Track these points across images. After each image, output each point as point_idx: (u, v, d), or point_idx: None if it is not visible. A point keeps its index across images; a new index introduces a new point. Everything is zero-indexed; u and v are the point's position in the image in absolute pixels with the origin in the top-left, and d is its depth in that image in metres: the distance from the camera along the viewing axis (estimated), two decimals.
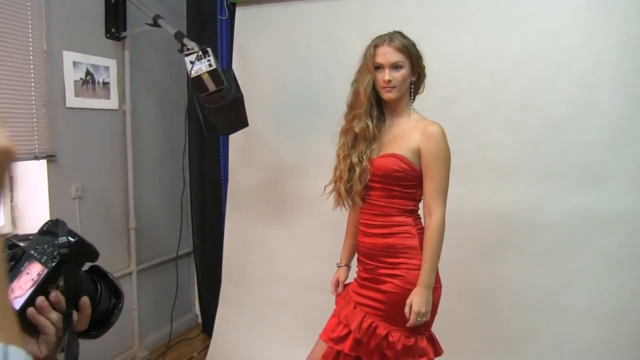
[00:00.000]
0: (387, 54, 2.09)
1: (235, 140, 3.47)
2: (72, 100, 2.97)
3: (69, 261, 0.90)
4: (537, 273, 2.97)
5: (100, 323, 1.03)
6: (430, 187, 2.09)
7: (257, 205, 3.46)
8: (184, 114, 3.45)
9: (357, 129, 2.14)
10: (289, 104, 3.34)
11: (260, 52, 3.42)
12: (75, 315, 0.92)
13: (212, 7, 3.49)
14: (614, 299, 2.81)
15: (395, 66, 2.09)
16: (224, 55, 3.49)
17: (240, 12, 3.46)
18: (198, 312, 3.98)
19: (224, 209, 3.57)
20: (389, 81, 2.08)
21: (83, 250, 0.97)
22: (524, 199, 2.98)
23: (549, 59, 2.93)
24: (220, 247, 3.55)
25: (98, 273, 1.07)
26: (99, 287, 1.04)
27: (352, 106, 2.19)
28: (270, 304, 3.40)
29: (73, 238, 0.94)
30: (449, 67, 3.08)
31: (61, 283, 0.90)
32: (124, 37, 3.24)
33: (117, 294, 1.08)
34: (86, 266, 1.03)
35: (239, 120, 2.85)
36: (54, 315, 0.88)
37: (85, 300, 0.95)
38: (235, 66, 3.44)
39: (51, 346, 0.88)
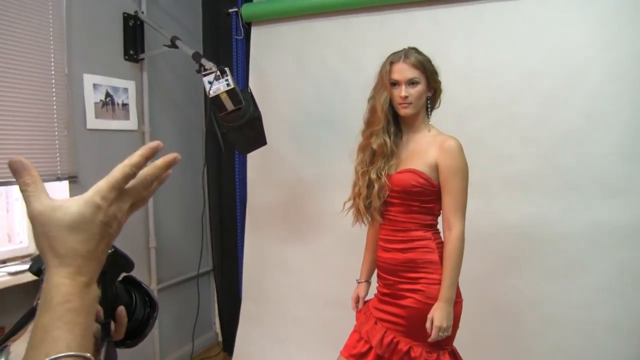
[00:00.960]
0: (403, 71, 2.11)
1: (253, 158, 3.50)
2: (93, 122, 3.02)
3: (106, 272, 0.92)
4: (557, 287, 2.95)
5: (136, 332, 1.05)
6: (448, 201, 2.09)
7: (276, 222, 3.48)
8: (202, 133, 3.48)
9: (374, 146, 2.16)
10: (306, 121, 3.37)
11: (276, 70, 3.46)
12: (112, 325, 0.94)
13: (227, 26, 3.54)
14: (636, 312, 2.79)
15: (412, 82, 2.11)
16: (240, 74, 3.53)
17: (255, 31, 3.51)
18: (218, 330, 3.98)
19: (241, 227, 3.59)
20: (406, 97, 2.10)
21: (119, 261, 0.99)
22: (542, 212, 2.97)
23: (564, 72, 2.94)
24: (239, 265, 3.56)
25: (132, 283, 1.09)
26: (133, 296, 1.06)
27: (369, 123, 2.22)
28: (291, 321, 3.40)
29: (110, 249, 0.96)
30: (465, 82, 3.10)
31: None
32: (142, 59, 3.30)
33: (151, 303, 1.09)
34: (120, 276, 1.05)
35: (258, 139, 2.88)
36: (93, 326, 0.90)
37: (121, 310, 0.97)
38: (252, 85, 3.49)
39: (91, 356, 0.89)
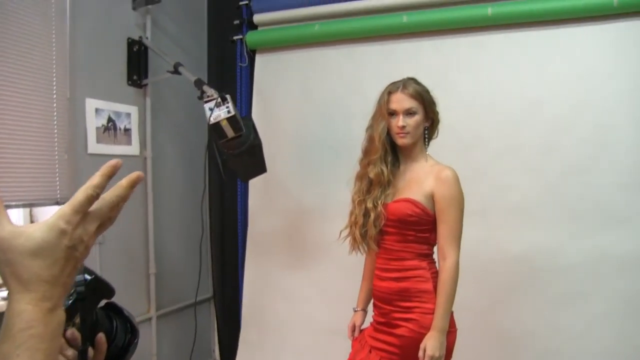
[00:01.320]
0: (401, 101, 2.12)
1: (255, 185, 3.50)
2: (94, 147, 3.02)
3: (85, 299, 0.91)
4: (560, 316, 2.93)
5: (116, 359, 1.03)
6: (444, 230, 2.08)
7: (277, 250, 3.46)
8: (204, 159, 3.48)
9: (371, 175, 2.16)
10: (309, 150, 3.38)
11: (280, 98, 3.47)
12: (90, 351, 0.93)
13: (232, 54, 3.56)
14: (636, 342, 2.75)
15: (409, 112, 2.11)
16: (244, 101, 3.55)
17: (260, 59, 3.53)
18: (218, 357, 3.94)
19: (242, 254, 3.57)
20: (403, 127, 2.11)
21: (99, 287, 0.98)
22: (544, 242, 2.97)
23: (567, 102, 2.95)
24: (240, 292, 3.53)
25: (113, 309, 1.08)
26: (114, 323, 1.05)
27: (366, 152, 2.22)
28: (290, 349, 3.37)
29: (90, 275, 0.95)
30: (468, 111, 3.12)
31: (77, 320, 0.91)
32: (146, 85, 3.31)
33: (132, 330, 1.08)
34: (102, 303, 1.03)
35: (258, 166, 2.88)
36: (70, 352, 0.88)
37: (101, 336, 0.96)
38: (255, 112, 3.50)
39: None
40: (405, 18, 3.15)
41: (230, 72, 3.60)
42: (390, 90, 2.17)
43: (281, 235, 3.43)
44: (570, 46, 2.97)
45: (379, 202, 2.15)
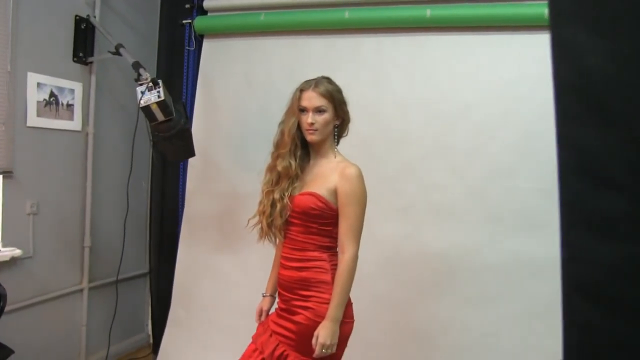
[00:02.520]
0: (312, 99, 2.19)
1: (194, 167, 3.57)
2: (34, 120, 3.08)
3: None
4: (473, 315, 3.04)
5: None
6: (344, 225, 2.16)
7: (210, 232, 3.54)
8: (149, 139, 3.55)
9: (280, 168, 2.25)
10: (248, 136, 3.44)
11: (223, 84, 3.53)
12: None
13: (182, 37, 3.61)
14: (545, 342, 2.86)
15: (319, 110, 2.19)
16: (190, 84, 3.60)
17: (207, 44, 3.59)
18: (150, 332, 4.04)
19: (179, 234, 3.66)
20: (312, 124, 2.18)
21: None
22: (465, 242, 3.06)
23: (495, 107, 3.03)
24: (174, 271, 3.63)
25: None
26: None
27: (277, 145, 2.31)
28: (216, 329, 3.45)
29: None
30: (402, 109, 3.19)
31: None
32: (91, 62, 3.37)
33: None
34: None
35: (187, 150, 2.96)
36: None
37: None
38: (199, 96, 3.56)
39: None
40: (347, 14, 3.22)
41: (179, 55, 3.64)
42: (302, 87, 2.25)
43: (214, 218, 3.51)
44: (503, 53, 3.05)
45: (286, 194, 2.23)
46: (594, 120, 0.71)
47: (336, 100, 2.23)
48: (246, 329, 3.30)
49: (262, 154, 3.37)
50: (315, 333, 2.11)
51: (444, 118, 3.13)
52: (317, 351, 2.09)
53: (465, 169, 3.08)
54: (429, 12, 3.10)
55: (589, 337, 0.75)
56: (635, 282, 0.69)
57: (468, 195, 3.07)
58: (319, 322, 2.13)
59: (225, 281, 3.48)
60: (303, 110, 2.22)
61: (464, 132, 3.09)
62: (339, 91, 2.27)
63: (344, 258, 2.15)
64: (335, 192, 2.18)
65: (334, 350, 2.12)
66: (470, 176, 3.07)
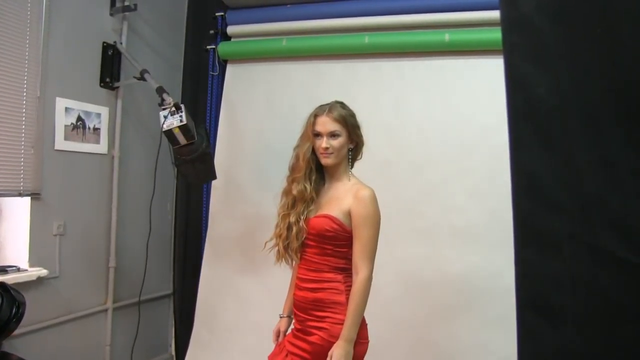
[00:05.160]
0: (326, 124, 2.23)
1: (218, 190, 3.63)
2: (61, 144, 3.17)
3: None
4: (493, 337, 3.00)
5: (0, 331, 1.18)
6: (358, 247, 2.17)
7: (233, 254, 3.59)
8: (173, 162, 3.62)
9: (295, 192, 2.29)
10: (271, 159, 3.48)
11: (246, 108, 3.60)
12: None
13: (206, 62, 3.70)
14: None
15: (333, 135, 2.23)
16: (213, 108, 3.68)
17: (230, 69, 3.67)
18: (173, 353, 4.08)
19: (202, 255, 3.71)
20: (326, 148, 2.22)
21: None
22: (485, 264, 3.05)
23: None
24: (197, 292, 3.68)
25: (3, 288, 1.23)
26: (0, 300, 1.19)
27: (292, 169, 2.36)
28: (238, 351, 3.48)
29: None
30: (421, 134, 3.21)
31: None
32: (118, 87, 3.47)
33: (18, 306, 1.22)
34: None
35: (208, 173, 3.02)
36: None
37: None
38: (222, 119, 3.64)
39: None
40: (366, 39, 3.27)
41: (203, 80, 3.74)
42: (316, 113, 2.29)
43: (237, 239, 3.56)
44: None
45: (302, 218, 2.27)
46: (539, 147, 0.75)
47: (349, 125, 2.26)
48: (267, 350, 3.32)
49: (283, 177, 3.44)
50: (330, 353, 2.12)
51: (463, 141, 3.14)
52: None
53: (485, 191, 3.08)
54: (447, 36, 3.13)
55: (542, 347, 0.78)
56: (577, 295, 0.72)
57: (488, 218, 3.07)
58: (334, 343, 2.15)
59: (247, 302, 3.52)
60: (317, 135, 2.27)
61: (483, 155, 3.09)
62: (353, 115, 2.31)
63: (358, 279, 2.16)
64: (349, 214, 2.21)
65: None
66: (490, 199, 3.07)
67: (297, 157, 2.34)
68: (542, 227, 0.75)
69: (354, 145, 2.32)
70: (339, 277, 2.25)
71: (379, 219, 2.23)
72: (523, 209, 0.79)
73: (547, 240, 0.75)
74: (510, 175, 0.81)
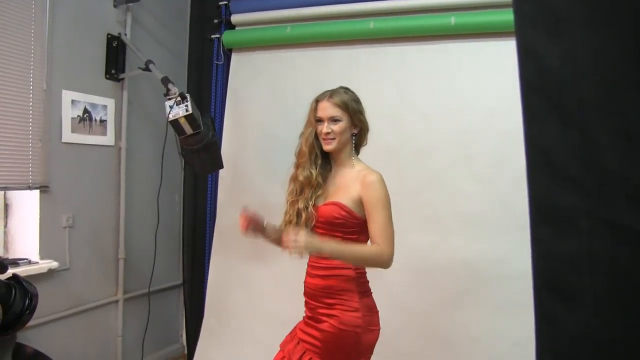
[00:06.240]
0: (326, 109, 2.24)
1: (224, 180, 3.64)
2: (68, 136, 3.18)
3: None
4: (502, 324, 3.00)
5: (14, 323, 1.19)
6: (375, 229, 2.14)
7: (241, 244, 3.56)
8: (178, 152, 3.63)
9: (301, 177, 2.30)
10: (277, 148, 3.47)
11: (251, 97, 3.59)
12: None
13: (211, 52, 3.69)
14: None
15: (333, 119, 2.22)
16: (219, 97, 3.68)
17: (235, 58, 3.66)
18: (185, 343, 4.10)
19: (209, 246, 3.72)
20: (327, 133, 2.22)
21: None
22: (492, 250, 3.03)
23: (520, 114, 2.98)
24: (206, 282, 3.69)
25: (16, 281, 1.24)
26: (13, 292, 1.20)
27: (297, 155, 2.37)
28: (249, 340, 3.50)
29: None
30: (426, 119, 3.19)
31: None
32: (123, 79, 3.47)
33: (31, 297, 1.23)
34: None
35: (215, 163, 3.02)
36: None
37: None
38: (228, 109, 3.64)
39: None
40: (372, 24, 3.25)
41: (208, 70, 3.73)
42: (318, 98, 2.29)
43: None
44: None
45: (310, 204, 2.27)
46: (553, 120, 0.73)
47: (350, 109, 2.25)
48: (278, 339, 3.34)
49: (289, 164, 3.42)
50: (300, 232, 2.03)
51: (469, 127, 3.12)
52: (288, 240, 2.01)
53: (491, 177, 3.06)
54: (453, 19, 3.10)
55: (561, 332, 0.76)
56: (595, 274, 0.70)
57: (495, 204, 3.05)
58: (344, 330, 2.16)
59: (256, 291, 3.53)
60: (319, 120, 2.26)
61: (489, 139, 3.07)
62: (356, 100, 2.29)
63: (382, 250, 2.11)
64: (358, 201, 2.20)
65: (298, 251, 2.02)
66: (496, 184, 3.05)
67: (301, 143, 2.35)
68: (558, 204, 0.73)
69: (358, 130, 2.31)
70: (349, 264, 2.25)
71: (390, 200, 2.21)
72: (537, 186, 0.76)
73: (563, 218, 0.73)
74: (524, 151, 0.78)
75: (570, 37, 0.69)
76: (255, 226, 2.36)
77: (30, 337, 2.77)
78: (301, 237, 2.00)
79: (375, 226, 2.16)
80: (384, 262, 2.12)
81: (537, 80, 0.75)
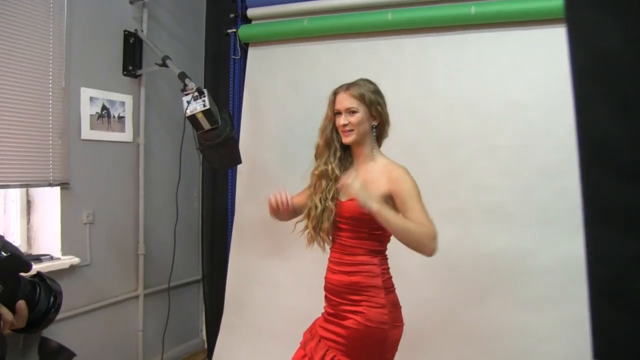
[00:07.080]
0: (343, 101, 2.21)
1: (243, 175, 3.62)
2: (87, 133, 3.19)
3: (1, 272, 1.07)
4: (528, 319, 2.94)
5: (39, 321, 1.18)
6: (416, 216, 2.09)
7: (260, 239, 3.57)
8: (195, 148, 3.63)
9: (320, 170, 2.29)
10: (295, 142, 3.45)
11: (269, 91, 3.57)
12: (10, 316, 1.07)
13: (227, 46, 3.67)
14: None
15: (350, 111, 2.19)
16: (236, 93, 3.66)
17: (252, 52, 3.63)
18: (205, 338, 4.11)
19: (230, 242, 3.71)
20: (345, 125, 2.19)
21: (16, 263, 1.12)
22: (518, 244, 2.98)
23: (544, 104, 2.94)
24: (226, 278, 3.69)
25: (40, 278, 1.23)
26: (38, 290, 1.20)
27: (316, 149, 2.36)
28: (268, 336, 3.48)
29: (6, 253, 1.09)
30: (449, 111, 3.14)
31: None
32: (140, 75, 3.47)
33: (55, 297, 1.23)
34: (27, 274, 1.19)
35: (233, 158, 3.01)
36: None
37: (21, 303, 1.10)
38: (245, 104, 3.61)
39: None
40: (390, 15, 3.20)
41: (225, 64, 3.71)
42: (336, 91, 2.27)
43: (264, 224, 3.52)
44: (550, 47, 2.95)
45: (328, 197, 2.25)
46: (611, 109, 0.66)
47: (367, 101, 2.21)
48: (297, 334, 3.32)
49: (308, 159, 3.38)
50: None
51: (491, 117, 3.06)
52: (354, 186, 2.02)
53: (516, 169, 3.00)
54: (473, 9, 3.04)
55: (617, 341, 0.71)
56: None
57: (519, 196, 2.99)
58: (370, 327, 2.13)
59: (275, 287, 3.51)
60: (338, 113, 2.23)
61: (513, 131, 3.01)
62: (375, 92, 2.25)
63: (431, 227, 2.07)
64: (386, 197, 2.16)
65: (362, 199, 2.00)
66: (521, 176, 2.99)
67: (319, 137, 2.34)
68: (615, 200, 0.67)
69: (377, 122, 2.27)
70: (375, 259, 2.22)
71: (419, 188, 2.16)
72: (591, 181, 0.69)
73: (620, 215, 0.67)
74: (576, 143, 0.71)
75: (635, 15, 0.63)
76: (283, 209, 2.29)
77: (53, 331, 2.80)
78: (356, 184, 2.01)
79: (416, 213, 2.09)
80: (433, 238, 2.05)
81: (593, 64, 0.67)
